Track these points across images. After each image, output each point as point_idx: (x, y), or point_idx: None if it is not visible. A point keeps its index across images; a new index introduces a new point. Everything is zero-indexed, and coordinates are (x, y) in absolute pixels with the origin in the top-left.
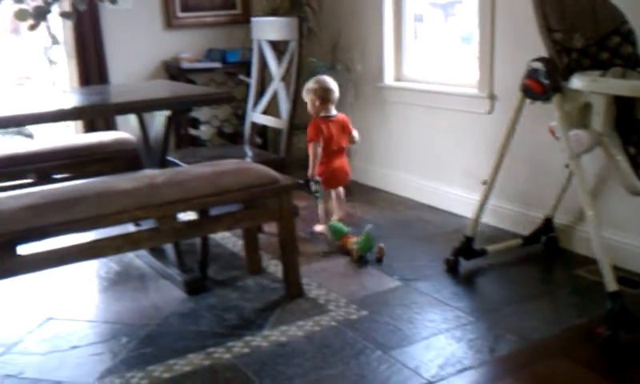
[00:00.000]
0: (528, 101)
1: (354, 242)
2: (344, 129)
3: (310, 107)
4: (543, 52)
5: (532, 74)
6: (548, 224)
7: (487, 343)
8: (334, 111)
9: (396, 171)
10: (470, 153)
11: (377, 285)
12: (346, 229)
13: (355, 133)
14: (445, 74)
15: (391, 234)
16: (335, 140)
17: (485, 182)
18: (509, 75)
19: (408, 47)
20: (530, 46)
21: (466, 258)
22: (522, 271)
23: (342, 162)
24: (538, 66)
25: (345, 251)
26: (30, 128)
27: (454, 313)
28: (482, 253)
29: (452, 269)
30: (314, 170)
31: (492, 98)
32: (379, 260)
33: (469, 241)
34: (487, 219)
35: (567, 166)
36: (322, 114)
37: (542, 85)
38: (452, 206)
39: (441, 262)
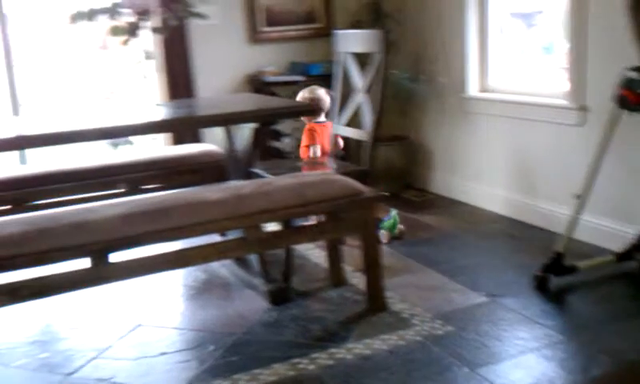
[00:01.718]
0: (624, 112)
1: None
2: (329, 134)
3: None
4: (638, 61)
5: (627, 83)
6: None
7: (580, 363)
8: (323, 117)
9: (480, 184)
10: (559, 166)
11: (462, 300)
12: None
13: (340, 141)
14: (531, 85)
15: (475, 249)
16: (324, 143)
17: (577, 196)
18: (602, 86)
19: (492, 58)
20: (624, 55)
21: (556, 274)
22: (615, 289)
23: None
24: (634, 75)
25: None
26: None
27: (544, 331)
28: (573, 269)
29: (541, 285)
30: None
31: (583, 109)
32: (400, 238)
33: (559, 257)
34: (578, 234)
35: None
36: (314, 120)
37: (638, 95)
38: (540, 220)
39: (529, 277)
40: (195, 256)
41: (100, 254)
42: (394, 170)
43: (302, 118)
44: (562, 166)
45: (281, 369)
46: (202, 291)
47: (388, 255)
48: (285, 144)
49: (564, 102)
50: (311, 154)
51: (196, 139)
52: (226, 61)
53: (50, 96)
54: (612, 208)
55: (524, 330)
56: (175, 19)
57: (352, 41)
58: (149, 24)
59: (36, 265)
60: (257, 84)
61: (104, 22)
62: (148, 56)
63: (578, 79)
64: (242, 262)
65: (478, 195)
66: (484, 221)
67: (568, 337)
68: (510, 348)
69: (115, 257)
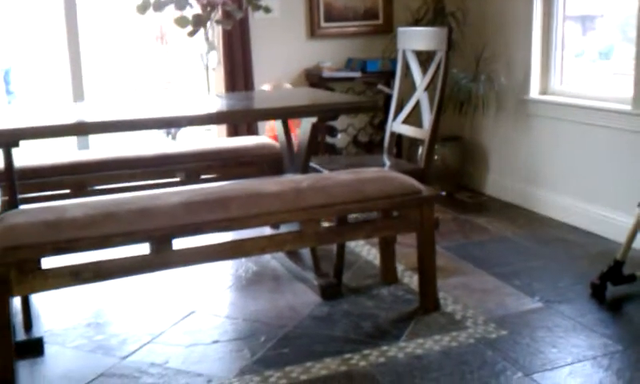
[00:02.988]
0: None
1: None
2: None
3: None
4: None
5: None
6: None
7: (637, 374)
8: None
9: (536, 187)
10: (620, 172)
11: (517, 304)
12: None
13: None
14: (592, 89)
15: (530, 253)
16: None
17: (639, 205)
18: None
19: (557, 60)
20: None
21: (614, 283)
22: None
23: None
24: None
25: None
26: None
27: (601, 340)
28: (632, 278)
29: (598, 293)
30: None
31: None
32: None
33: (618, 265)
34: (637, 244)
35: None
36: None
37: None
38: (597, 227)
39: (585, 285)
40: (252, 247)
41: (161, 240)
42: (448, 170)
43: None
44: (623, 173)
45: (332, 363)
46: (253, 282)
47: (441, 256)
48: (338, 140)
49: (627, 108)
50: None
51: (251, 132)
52: (284, 55)
53: (114, 83)
54: None
55: (580, 338)
56: (241, 12)
57: (415, 38)
58: (214, 16)
59: (98, 248)
60: (313, 79)
61: (171, 13)
62: (212, 47)
63: None
64: (292, 255)
65: (534, 199)
66: (539, 225)
67: (625, 346)
68: (566, 355)
69: (176, 244)
